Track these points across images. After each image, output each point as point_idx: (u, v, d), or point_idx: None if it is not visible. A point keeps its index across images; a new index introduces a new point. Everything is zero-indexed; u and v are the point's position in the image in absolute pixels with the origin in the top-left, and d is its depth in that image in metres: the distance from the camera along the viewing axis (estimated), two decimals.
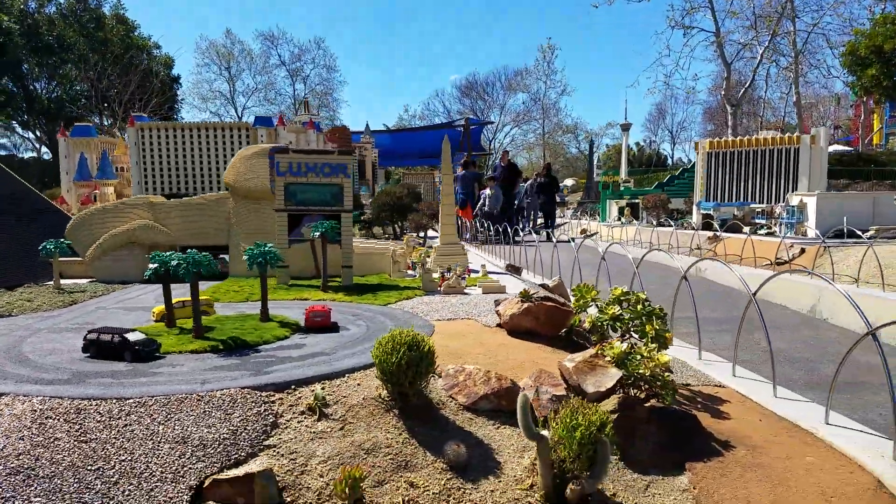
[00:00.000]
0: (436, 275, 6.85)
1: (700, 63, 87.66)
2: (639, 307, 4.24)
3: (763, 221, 12.56)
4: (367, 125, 33.18)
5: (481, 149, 46.89)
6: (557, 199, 32.69)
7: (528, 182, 19.61)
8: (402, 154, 41.24)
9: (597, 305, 4.36)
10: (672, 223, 14.27)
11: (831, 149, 49.19)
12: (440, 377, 3.67)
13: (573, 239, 17.18)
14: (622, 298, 4.38)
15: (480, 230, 14.95)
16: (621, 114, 72.02)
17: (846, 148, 47.10)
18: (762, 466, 3.29)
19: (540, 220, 18.87)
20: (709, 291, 9.50)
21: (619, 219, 19.47)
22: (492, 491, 2.94)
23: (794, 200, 11.62)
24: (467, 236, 16.30)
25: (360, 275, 7.57)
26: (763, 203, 13.18)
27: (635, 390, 3.65)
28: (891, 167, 33.50)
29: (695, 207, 15.05)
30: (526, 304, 4.60)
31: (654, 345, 4.14)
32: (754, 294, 4.44)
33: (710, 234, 12.67)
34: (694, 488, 3.12)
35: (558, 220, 24.34)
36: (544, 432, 2.93)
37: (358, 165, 28.81)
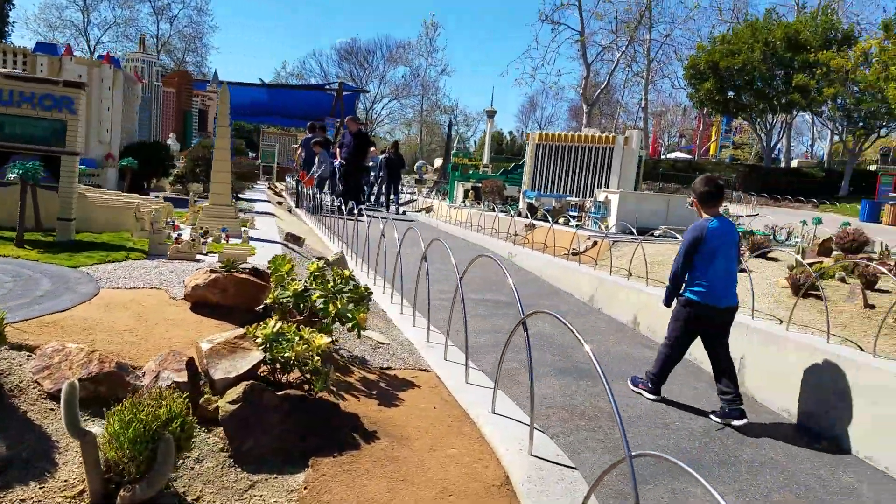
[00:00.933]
0: (175, 236, 6.11)
1: (565, 60, 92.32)
2: (329, 284, 3.85)
3: (575, 214, 13.02)
4: (216, 74, 30.73)
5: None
6: (418, 178, 32.75)
7: (382, 156, 19.32)
8: (275, 111, 38.40)
9: (282, 283, 3.91)
10: (496, 209, 14.44)
11: (672, 155, 53.84)
12: (34, 357, 3.01)
13: (400, 211, 17.10)
14: (316, 274, 3.97)
15: (314, 199, 14.28)
16: (492, 100, 73.62)
17: (686, 156, 51.89)
18: (397, 460, 3.03)
19: (384, 197, 18.73)
20: (520, 278, 9.60)
21: (464, 201, 19.60)
22: (22, 500, 2.36)
23: (601, 196, 12.12)
24: (307, 205, 15.50)
25: (99, 231, 6.61)
26: (578, 196, 13.70)
27: (283, 376, 3.25)
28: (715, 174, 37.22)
29: (521, 196, 15.38)
30: (213, 276, 4.04)
31: (345, 325, 3.78)
32: (461, 278, 4.23)
33: (527, 221, 12.92)
34: (305, 488, 2.77)
35: (409, 197, 24.26)
36: (97, 428, 2.41)
37: (198, 115, 26.61)
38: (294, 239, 7.32)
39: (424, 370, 4.30)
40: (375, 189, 19.22)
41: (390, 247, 6.17)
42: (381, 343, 4.53)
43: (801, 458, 4.14)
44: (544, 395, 4.72)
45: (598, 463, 3.65)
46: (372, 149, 19.73)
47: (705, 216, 4.34)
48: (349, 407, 3.36)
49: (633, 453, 2.17)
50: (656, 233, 11.05)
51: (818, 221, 11.30)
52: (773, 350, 5.11)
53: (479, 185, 18.99)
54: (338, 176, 16.37)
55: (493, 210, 15.11)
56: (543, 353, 5.83)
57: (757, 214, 24.66)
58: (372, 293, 4.12)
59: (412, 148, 64.97)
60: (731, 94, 36.36)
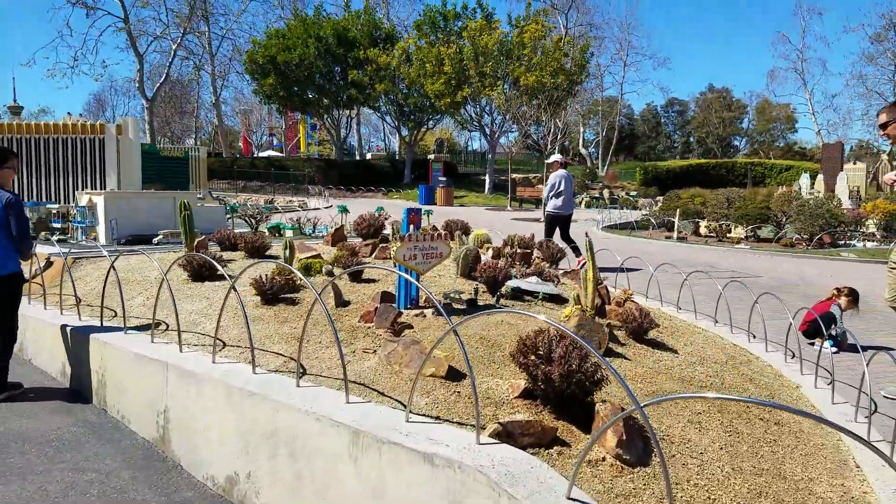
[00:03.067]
0: None
1: (112, 50, 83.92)
2: None
3: (59, 225, 9.88)
4: None
5: None
6: None
7: None
8: None
9: None
10: None
11: (265, 154, 52.92)
12: None
13: None
14: None
15: None
16: (15, 95, 60.33)
17: (279, 154, 51.71)
18: None
19: None
20: None
21: None
22: None
23: (83, 200, 9.33)
24: None
25: None
26: (63, 203, 10.58)
27: None
28: (296, 171, 37.44)
29: None
30: None
31: None
32: None
33: None
34: None
35: None
36: None
37: None
38: None
39: None
40: None
41: None
42: None
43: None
44: None
45: None
46: None
47: None
48: None
49: None
50: (155, 240, 8.88)
51: (343, 209, 10.83)
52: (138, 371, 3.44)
53: None
54: None
55: None
56: None
57: (331, 206, 25.04)
58: None
59: None
60: (295, 89, 36.71)
